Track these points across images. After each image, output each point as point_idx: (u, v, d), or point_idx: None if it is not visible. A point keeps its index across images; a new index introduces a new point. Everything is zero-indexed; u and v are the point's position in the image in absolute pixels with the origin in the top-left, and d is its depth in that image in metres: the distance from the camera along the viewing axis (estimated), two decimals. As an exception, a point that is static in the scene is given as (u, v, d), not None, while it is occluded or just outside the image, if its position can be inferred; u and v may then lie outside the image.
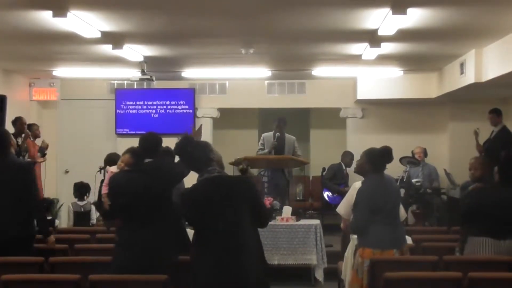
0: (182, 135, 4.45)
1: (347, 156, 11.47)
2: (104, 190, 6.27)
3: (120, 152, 6.61)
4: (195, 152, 4.27)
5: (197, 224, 4.24)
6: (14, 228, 5.49)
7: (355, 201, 5.51)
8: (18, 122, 9.71)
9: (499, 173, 5.51)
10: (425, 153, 11.19)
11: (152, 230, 4.76)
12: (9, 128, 9.28)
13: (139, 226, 4.80)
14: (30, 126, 10.14)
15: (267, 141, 9.99)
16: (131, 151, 5.67)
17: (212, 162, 4.26)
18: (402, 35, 7.71)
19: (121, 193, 4.92)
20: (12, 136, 6.06)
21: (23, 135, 9.68)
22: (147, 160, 5.00)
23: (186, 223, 5.12)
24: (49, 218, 8.33)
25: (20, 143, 9.63)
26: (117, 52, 8.70)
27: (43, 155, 10.06)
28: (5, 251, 5.26)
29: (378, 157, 5.46)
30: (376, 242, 5.36)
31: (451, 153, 11.89)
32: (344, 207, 6.66)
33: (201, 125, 5.53)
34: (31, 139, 9.85)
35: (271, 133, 10.07)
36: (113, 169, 6.59)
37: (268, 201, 8.27)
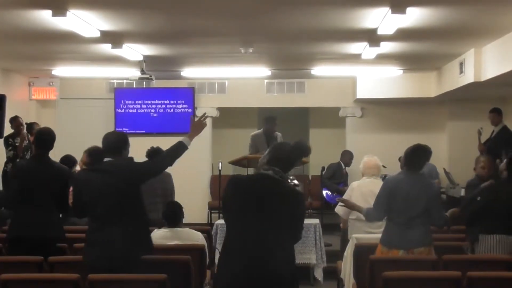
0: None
1: (347, 156, 11.46)
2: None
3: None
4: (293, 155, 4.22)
5: (231, 213, 4.14)
6: (44, 229, 5.55)
7: (379, 191, 5.54)
8: (14, 123, 9.68)
9: (507, 170, 5.57)
10: (424, 152, 11.14)
11: (113, 229, 4.68)
12: (9, 128, 9.29)
13: (99, 225, 4.75)
14: (31, 125, 10.12)
15: (257, 141, 9.92)
16: (88, 150, 5.66)
17: (290, 168, 4.22)
18: (402, 35, 7.72)
19: (78, 192, 4.90)
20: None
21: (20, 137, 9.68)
22: (106, 159, 4.88)
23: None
24: None
25: (17, 143, 9.62)
26: (117, 51, 8.70)
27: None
28: (36, 251, 5.26)
29: (410, 153, 5.48)
30: (386, 239, 5.41)
31: (450, 153, 11.91)
32: (342, 207, 6.68)
33: (205, 114, 5.28)
34: (26, 141, 9.80)
35: (259, 132, 9.98)
36: (77, 168, 6.68)
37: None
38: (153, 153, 6.92)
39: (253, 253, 3.96)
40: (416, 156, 5.48)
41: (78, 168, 6.70)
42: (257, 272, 3.95)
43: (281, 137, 9.94)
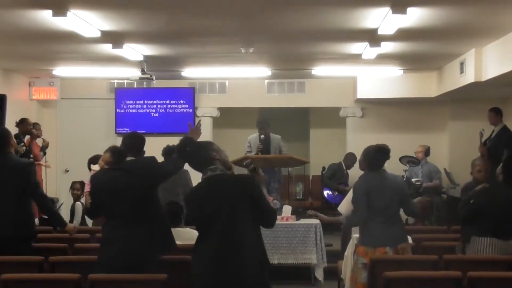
0: (183, 136, 4.47)
1: (349, 159, 11.39)
2: (87, 188, 6.29)
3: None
4: (195, 152, 4.28)
5: (199, 223, 4.24)
6: (13, 228, 5.52)
7: (352, 196, 5.61)
8: (24, 123, 9.67)
9: (503, 173, 5.52)
10: (426, 152, 11.02)
11: (133, 228, 4.73)
12: (10, 129, 9.27)
13: (119, 224, 4.78)
14: (34, 125, 10.12)
15: (253, 143, 10.01)
16: (111, 150, 5.68)
17: (213, 161, 4.23)
18: (402, 34, 7.71)
19: (100, 191, 4.93)
20: (13, 136, 6.07)
21: (27, 136, 9.68)
22: (128, 159, 4.98)
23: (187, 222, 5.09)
24: None
25: (27, 144, 9.62)
26: (117, 51, 8.70)
27: (45, 153, 10.06)
28: (2, 251, 5.26)
29: (372, 155, 5.53)
30: (368, 239, 5.43)
31: (451, 153, 11.90)
32: (345, 206, 6.69)
33: (200, 121, 5.40)
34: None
35: (256, 135, 10.07)
36: (95, 167, 6.68)
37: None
38: (171, 151, 6.89)
39: (224, 250, 4.02)
40: (377, 156, 5.54)
41: (97, 167, 6.68)
42: (230, 267, 4.00)
43: (281, 140, 9.99)
